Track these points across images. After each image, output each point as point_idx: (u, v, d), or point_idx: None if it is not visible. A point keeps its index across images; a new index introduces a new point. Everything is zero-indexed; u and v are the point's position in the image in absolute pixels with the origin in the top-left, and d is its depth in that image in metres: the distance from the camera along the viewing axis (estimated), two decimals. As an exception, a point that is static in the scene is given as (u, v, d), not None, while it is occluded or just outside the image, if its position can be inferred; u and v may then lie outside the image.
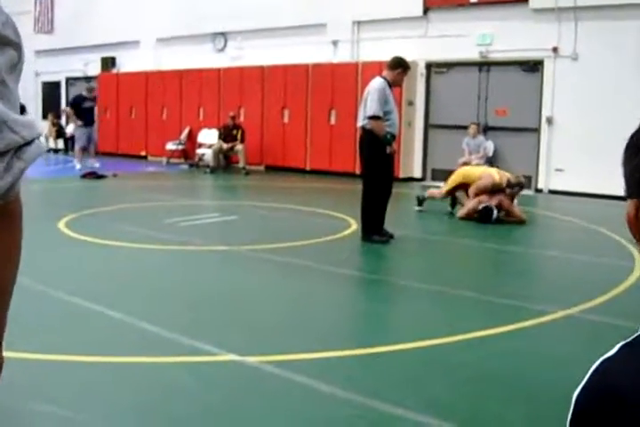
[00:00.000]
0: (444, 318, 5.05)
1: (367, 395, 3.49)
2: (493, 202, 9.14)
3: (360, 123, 7.73)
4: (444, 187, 10.02)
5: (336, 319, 4.95)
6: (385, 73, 7.79)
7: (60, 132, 21.82)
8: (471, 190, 9.47)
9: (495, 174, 9.44)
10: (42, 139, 1.07)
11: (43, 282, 5.70)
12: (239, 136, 15.89)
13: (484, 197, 9.24)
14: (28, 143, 1.01)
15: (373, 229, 7.64)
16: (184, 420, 3.26)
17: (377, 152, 7.53)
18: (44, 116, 23.12)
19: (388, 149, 7.53)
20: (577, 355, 4.21)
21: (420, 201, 10.17)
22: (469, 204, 9.36)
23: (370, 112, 7.47)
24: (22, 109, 17.28)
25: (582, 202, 11.51)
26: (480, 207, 9.13)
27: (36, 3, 23.19)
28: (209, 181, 14.92)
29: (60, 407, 3.30)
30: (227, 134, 15.97)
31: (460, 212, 9.46)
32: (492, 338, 4.50)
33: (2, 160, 0.99)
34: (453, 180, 9.86)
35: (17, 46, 1.02)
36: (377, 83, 7.62)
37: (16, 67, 1.00)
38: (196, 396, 3.51)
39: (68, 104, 20.43)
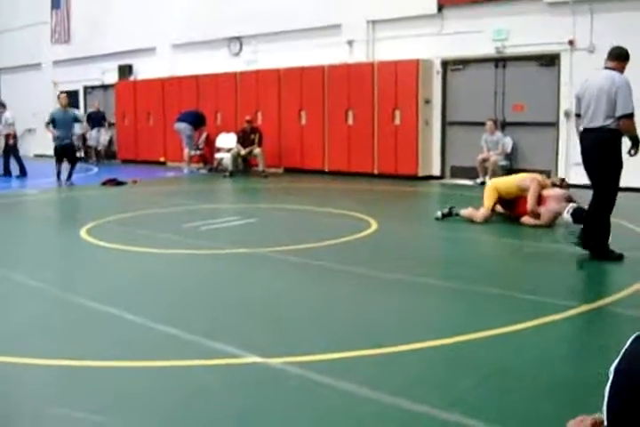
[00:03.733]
0: (467, 315, 5.02)
1: (392, 393, 3.47)
2: (565, 203, 8.59)
3: (597, 123, 6.60)
4: (485, 207, 9.02)
5: (358, 319, 4.93)
6: (612, 64, 6.84)
7: (84, 141, 21.91)
8: (531, 202, 8.70)
9: (530, 177, 9.13)
10: None
11: (65, 288, 5.74)
12: (257, 140, 15.91)
13: (551, 205, 8.67)
14: None
15: (604, 244, 6.74)
16: (211, 422, 3.26)
17: (617, 156, 6.61)
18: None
19: (633, 151, 6.64)
20: (604, 349, 4.16)
21: (447, 215, 9.20)
22: (544, 217, 8.62)
23: (624, 110, 6.48)
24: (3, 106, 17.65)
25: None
26: (569, 211, 8.25)
27: (52, 14, 23.40)
28: (228, 185, 14.96)
29: (92, 413, 3.31)
30: (245, 138, 16.00)
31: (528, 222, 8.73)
32: (516, 334, 4.46)
33: None
34: (490, 196, 9.04)
35: None
36: (621, 77, 6.67)
37: None
38: (221, 398, 3.51)
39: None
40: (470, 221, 8.97)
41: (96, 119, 20.85)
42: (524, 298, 5.34)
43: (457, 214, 9.14)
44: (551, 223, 8.62)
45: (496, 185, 9.13)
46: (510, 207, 9.14)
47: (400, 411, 3.31)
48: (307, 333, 4.64)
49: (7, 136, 16.86)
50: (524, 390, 3.54)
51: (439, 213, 9.15)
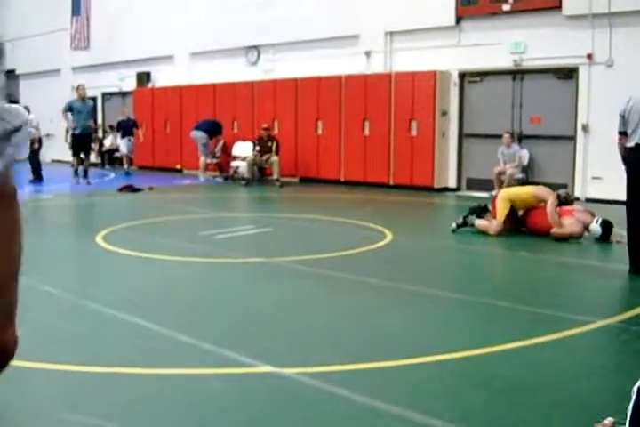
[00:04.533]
0: (479, 329, 5.01)
1: (404, 406, 3.47)
2: (586, 215, 8.62)
3: None
4: (497, 220, 8.85)
5: (372, 330, 4.93)
6: None
7: (100, 147, 22.03)
8: (551, 213, 8.52)
9: (542, 188, 9.08)
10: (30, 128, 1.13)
11: (81, 294, 5.77)
12: (274, 148, 15.94)
13: (580, 216, 8.57)
14: (17, 129, 1.10)
15: None
16: (221, 432, 3.27)
17: None
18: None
19: None
20: (617, 366, 4.15)
21: (462, 225, 9.09)
22: (569, 227, 8.46)
23: None
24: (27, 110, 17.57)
25: (620, 210, 11.33)
26: (598, 221, 8.41)
27: (72, 21, 23.59)
28: (243, 194, 15.00)
29: (104, 419, 3.33)
30: (262, 146, 16.04)
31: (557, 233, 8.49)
32: (529, 349, 4.45)
33: None
34: (502, 207, 8.85)
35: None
36: None
37: (0, 59, 1.09)
38: (234, 407, 3.51)
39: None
40: (484, 233, 8.91)
41: (127, 127, 19.58)
42: (539, 312, 5.31)
43: (472, 225, 9.06)
44: (581, 234, 8.49)
45: (509, 196, 9.00)
46: (520, 219, 9.05)
47: (411, 423, 3.30)
48: (320, 343, 4.65)
49: (32, 140, 16.97)
50: (536, 406, 3.53)
51: (454, 225, 9.08)
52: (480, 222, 9.01)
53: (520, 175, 13.34)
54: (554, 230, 8.50)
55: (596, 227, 8.43)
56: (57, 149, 24.27)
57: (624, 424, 1.11)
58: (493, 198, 9.27)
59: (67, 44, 23.81)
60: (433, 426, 3.27)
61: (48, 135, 24.23)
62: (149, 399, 3.65)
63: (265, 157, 15.94)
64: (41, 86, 25.33)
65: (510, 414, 3.46)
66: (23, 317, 5.20)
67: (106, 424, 3.29)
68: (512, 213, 8.98)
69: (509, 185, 12.99)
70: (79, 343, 4.61)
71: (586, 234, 8.49)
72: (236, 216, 11.63)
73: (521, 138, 13.69)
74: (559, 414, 3.42)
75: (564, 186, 12.21)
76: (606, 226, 8.42)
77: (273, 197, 14.11)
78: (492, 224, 8.89)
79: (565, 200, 8.99)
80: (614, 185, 11.94)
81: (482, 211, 9.21)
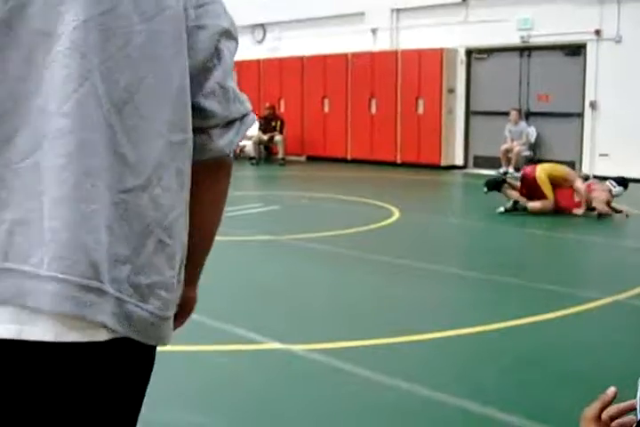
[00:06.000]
0: (491, 306, 5.04)
1: (411, 381, 3.50)
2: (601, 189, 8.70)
3: None
4: (548, 197, 8.64)
5: (380, 307, 4.96)
6: None
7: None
8: (585, 193, 8.59)
9: (571, 170, 9.17)
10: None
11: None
12: (278, 127, 15.92)
13: (599, 194, 8.59)
14: (248, 114, 1.38)
15: None
16: (233, 405, 3.30)
17: None
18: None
19: None
20: (625, 341, 4.17)
21: (512, 210, 8.81)
22: (600, 207, 8.47)
23: None
24: None
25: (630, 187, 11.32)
26: (614, 184, 8.61)
27: None
28: (250, 172, 15.00)
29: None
30: (266, 125, 16.01)
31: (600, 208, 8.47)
32: (537, 325, 4.47)
33: (233, 126, 1.35)
34: (547, 185, 8.65)
35: (236, 40, 1.39)
36: None
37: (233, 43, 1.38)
38: (242, 384, 3.55)
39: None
40: (534, 213, 8.67)
41: None
42: (549, 289, 5.33)
43: (524, 209, 8.76)
44: (608, 210, 8.51)
45: (547, 173, 8.76)
46: (539, 193, 8.80)
47: (419, 398, 3.34)
48: (329, 320, 4.68)
49: None
50: (543, 381, 3.56)
51: (502, 209, 8.77)
52: (533, 205, 8.71)
53: (527, 153, 13.31)
54: (575, 211, 8.60)
55: (618, 190, 8.61)
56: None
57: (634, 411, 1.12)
58: (523, 176, 9.01)
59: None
60: (442, 401, 3.31)
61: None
62: (158, 376, 3.67)
63: (268, 136, 15.92)
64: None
65: (518, 389, 3.49)
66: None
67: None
68: (530, 189, 8.83)
69: (516, 162, 12.99)
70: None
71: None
72: (243, 195, 11.64)
73: (528, 115, 13.63)
74: (566, 389, 3.45)
75: (572, 163, 12.19)
76: (621, 180, 8.67)
77: (279, 176, 14.11)
78: (544, 203, 8.69)
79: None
80: (622, 162, 11.93)
81: (500, 184, 9.05)
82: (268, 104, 16.04)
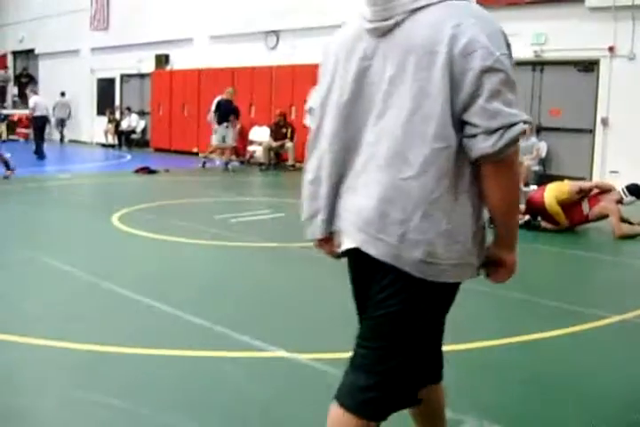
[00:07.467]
0: (495, 321, 5.01)
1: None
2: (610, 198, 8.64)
3: None
4: (562, 223, 8.65)
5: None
6: None
7: (116, 128, 22.12)
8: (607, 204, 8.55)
9: (571, 183, 9.01)
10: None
11: (95, 274, 5.80)
12: (289, 134, 15.93)
13: (608, 205, 8.53)
14: (514, 124, 1.96)
15: None
16: (233, 412, 3.29)
17: None
18: (101, 112, 23.47)
19: None
20: (631, 360, 4.14)
21: (525, 225, 8.69)
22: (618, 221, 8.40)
23: None
24: None
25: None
26: (625, 192, 8.57)
27: (92, 1, 23.58)
28: (259, 178, 15.01)
29: (115, 398, 3.36)
30: (276, 132, 16.02)
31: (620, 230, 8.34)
32: (544, 341, 4.44)
33: (497, 133, 1.92)
34: (557, 211, 8.62)
35: (501, 70, 2.00)
36: None
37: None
38: (247, 391, 3.53)
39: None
40: (546, 230, 8.67)
41: (227, 111, 16.24)
42: (556, 306, 5.31)
43: (538, 226, 8.73)
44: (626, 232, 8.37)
45: (556, 198, 8.65)
46: (551, 219, 8.74)
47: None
48: (335, 329, 4.65)
49: (36, 119, 18.05)
50: (547, 397, 3.53)
51: None
52: (547, 226, 8.72)
53: (537, 167, 13.27)
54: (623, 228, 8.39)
55: (629, 199, 8.58)
56: (72, 130, 24.36)
57: None
58: (530, 201, 8.90)
59: (86, 24, 23.82)
60: (447, 416, 3.28)
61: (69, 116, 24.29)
62: (162, 380, 3.68)
63: (279, 143, 15.93)
64: (60, 66, 25.38)
65: (522, 405, 3.46)
66: (37, 294, 5.24)
67: (119, 404, 3.31)
68: (539, 213, 8.78)
69: (527, 177, 12.93)
70: (91, 322, 4.64)
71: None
72: (251, 200, 11.64)
73: (539, 130, 13.61)
74: (571, 407, 3.42)
75: (582, 179, 12.15)
76: (635, 189, 8.60)
77: (288, 182, 14.10)
78: (559, 227, 8.66)
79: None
80: (632, 179, 11.86)
81: None
82: (278, 111, 16.06)
